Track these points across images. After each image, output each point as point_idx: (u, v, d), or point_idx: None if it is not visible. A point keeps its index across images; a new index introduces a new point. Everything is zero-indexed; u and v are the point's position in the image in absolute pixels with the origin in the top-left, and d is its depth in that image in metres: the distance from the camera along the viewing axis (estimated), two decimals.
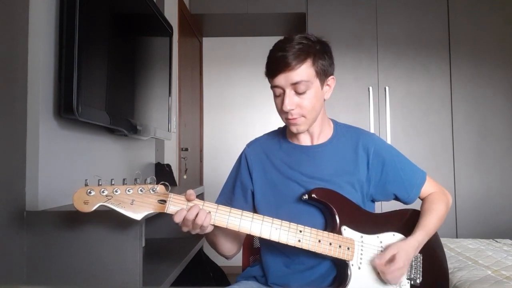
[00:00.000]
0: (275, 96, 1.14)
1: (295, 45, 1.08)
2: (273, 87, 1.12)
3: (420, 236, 1.13)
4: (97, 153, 1.57)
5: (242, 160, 1.26)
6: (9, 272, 1.10)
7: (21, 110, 1.17)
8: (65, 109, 1.23)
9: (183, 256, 1.72)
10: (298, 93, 1.09)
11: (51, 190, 1.25)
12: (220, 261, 2.40)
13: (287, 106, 1.09)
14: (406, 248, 1.08)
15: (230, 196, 1.25)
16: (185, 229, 1.02)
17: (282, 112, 1.13)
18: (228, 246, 1.21)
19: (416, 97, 3.03)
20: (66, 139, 1.35)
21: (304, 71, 1.08)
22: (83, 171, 1.44)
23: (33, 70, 1.19)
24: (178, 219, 0.98)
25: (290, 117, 1.11)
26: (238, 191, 1.23)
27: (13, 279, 1.10)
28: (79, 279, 1.13)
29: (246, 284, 1.21)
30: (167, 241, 1.99)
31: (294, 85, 1.08)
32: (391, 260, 1.06)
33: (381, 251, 1.11)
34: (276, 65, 1.09)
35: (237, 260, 1.40)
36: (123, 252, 1.14)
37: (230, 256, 1.26)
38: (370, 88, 3.03)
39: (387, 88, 3.03)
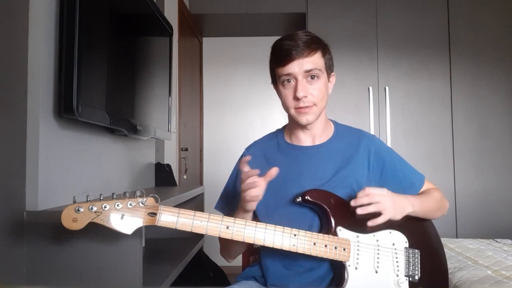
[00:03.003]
0: (284, 88, 1.13)
1: (303, 36, 1.11)
2: (283, 76, 1.12)
3: (412, 198, 1.13)
4: (97, 153, 1.56)
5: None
6: (9, 272, 1.09)
7: (21, 110, 1.16)
8: (65, 109, 1.23)
9: (183, 256, 1.72)
10: (310, 82, 1.11)
11: (51, 190, 1.25)
12: (220, 261, 2.40)
13: (301, 92, 1.09)
14: (395, 197, 1.08)
15: (231, 201, 1.24)
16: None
17: (293, 101, 1.12)
18: (239, 250, 1.24)
19: (416, 97, 3.03)
20: (66, 139, 1.35)
21: (316, 60, 1.11)
22: (83, 171, 1.44)
23: (33, 70, 1.19)
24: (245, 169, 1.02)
25: (302, 105, 1.11)
26: (240, 197, 1.23)
27: (13, 279, 1.10)
28: (79, 279, 1.13)
29: (246, 284, 1.21)
30: (167, 241, 1.99)
31: (307, 72, 1.10)
32: (378, 195, 1.05)
33: (378, 250, 1.11)
34: (288, 53, 1.09)
35: (237, 260, 1.40)
36: (123, 252, 1.14)
37: (233, 260, 1.28)
38: (370, 88, 3.03)
39: (387, 88, 3.03)
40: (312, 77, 1.11)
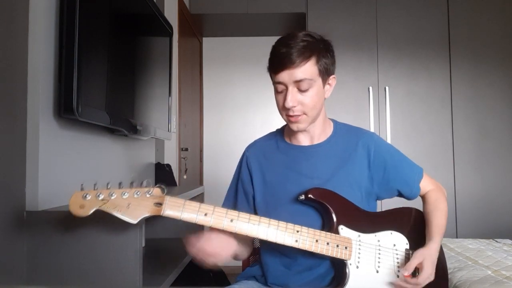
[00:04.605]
0: (277, 93, 1.13)
1: (299, 42, 1.08)
2: (275, 83, 1.12)
3: (438, 239, 1.13)
4: (97, 153, 1.56)
5: (243, 165, 1.26)
6: (9, 272, 1.09)
7: (21, 110, 1.17)
8: (65, 109, 1.23)
9: (183, 256, 1.72)
10: (300, 91, 1.09)
11: (51, 190, 1.25)
12: None
13: (290, 103, 1.08)
14: (430, 253, 1.08)
15: (234, 202, 1.25)
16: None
17: (283, 109, 1.12)
18: (241, 250, 1.21)
19: (416, 97, 3.03)
20: (66, 139, 1.35)
21: (308, 69, 1.08)
22: (83, 171, 1.44)
23: (33, 70, 1.19)
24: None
25: (291, 113, 1.11)
26: (241, 196, 1.23)
27: (13, 279, 1.10)
28: (79, 279, 1.13)
29: (246, 283, 1.21)
30: (167, 241, 1.99)
31: (297, 82, 1.08)
32: (420, 268, 1.05)
33: (379, 250, 1.11)
34: (280, 61, 1.08)
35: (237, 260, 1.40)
36: (123, 252, 1.14)
37: (242, 259, 1.27)
38: (370, 88, 3.03)
39: (387, 88, 3.03)
40: (303, 86, 1.09)
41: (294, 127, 1.14)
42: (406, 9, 3.07)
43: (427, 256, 1.06)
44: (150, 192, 0.97)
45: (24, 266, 1.13)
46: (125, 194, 0.96)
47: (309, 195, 1.09)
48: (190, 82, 3.24)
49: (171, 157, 2.61)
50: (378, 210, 1.22)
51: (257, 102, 3.79)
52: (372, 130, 3.00)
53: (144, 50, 1.95)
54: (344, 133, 1.23)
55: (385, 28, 3.07)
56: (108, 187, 0.96)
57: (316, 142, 1.20)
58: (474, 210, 2.94)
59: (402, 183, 1.21)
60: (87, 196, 0.93)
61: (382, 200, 1.27)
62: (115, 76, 1.57)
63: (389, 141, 2.98)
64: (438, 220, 1.18)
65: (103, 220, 1.14)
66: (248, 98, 3.81)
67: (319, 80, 1.12)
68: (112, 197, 0.95)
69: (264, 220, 1.03)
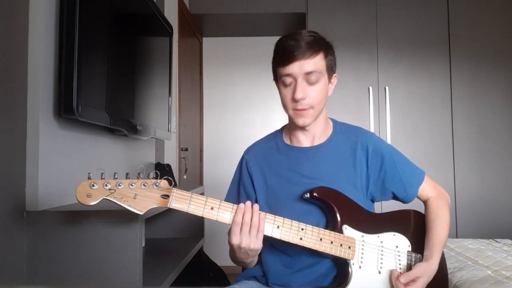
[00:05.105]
0: (284, 87, 1.13)
1: (307, 37, 1.10)
2: (283, 76, 1.11)
3: (439, 253, 1.13)
4: (97, 153, 1.57)
5: (243, 169, 1.25)
6: (9, 272, 1.09)
7: (21, 110, 1.16)
8: (65, 109, 1.23)
9: (183, 256, 1.72)
10: (309, 84, 1.10)
11: (51, 190, 1.25)
12: (220, 261, 2.40)
13: (299, 94, 1.09)
14: (430, 273, 1.08)
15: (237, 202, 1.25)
16: (236, 240, 1.00)
17: (291, 102, 1.12)
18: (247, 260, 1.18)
19: (416, 97, 3.03)
20: (66, 139, 1.35)
21: (318, 62, 1.10)
22: (83, 171, 1.44)
23: (33, 70, 1.19)
24: (238, 219, 0.99)
25: (299, 107, 1.11)
26: (244, 200, 1.23)
27: (13, 279, 1.10)
28: (79, 279, 1.13)
29: (246, 283, 1.21)
30: (167, 241, 1.99)
31: (307, 74, 1.09)
32: (413, 280, 1.06)
33: (382, 251, 1.11)
34: (290, 53, 1.08)
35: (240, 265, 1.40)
36: (123, 252, 1.14)
37: (250, 266, 1.24)
38: (370, 88, 3.03)
39: (387, 88, 3.03)
40: (312, 79, 1.10)
41: (300, 121, 1.13)
42: (406, 9, 3.07)
43: (426, 275, 1.07)
44: (157, 184, 0.97)
45: (24, 266, 1.13)
46: (132, 184, 0.95)
47: (314, 194, 1.10)
48: (190, 82, 3.24)
49: (171, 157, 2.61)
50: (378, 212, 1.22)
51: (257, 102, 3.78)
52: (372, 130, 3.00)
53: (144, 50, 1.95)
54: (344, 133, 1.23)
55: (385, 28, 3.06)
56: (115, 177, 0.96)
57: (317, 142, 1.20)
58: (474, 210, 2.94)
59: (398, 185, 1.20)
60: (94, 185, 0.93)
61: (383, 202, 1.27)
62: (115, 76, 1.57)
63: (389, 141, 2.98)
64: (439, 230, 1.17)
65: (104, 220, 1.14)
66: (248, 98, 3.81)
67: (326, 75, 1.14)
68: (119, 187, 0.94)
69: (270, 216, 1.03)
